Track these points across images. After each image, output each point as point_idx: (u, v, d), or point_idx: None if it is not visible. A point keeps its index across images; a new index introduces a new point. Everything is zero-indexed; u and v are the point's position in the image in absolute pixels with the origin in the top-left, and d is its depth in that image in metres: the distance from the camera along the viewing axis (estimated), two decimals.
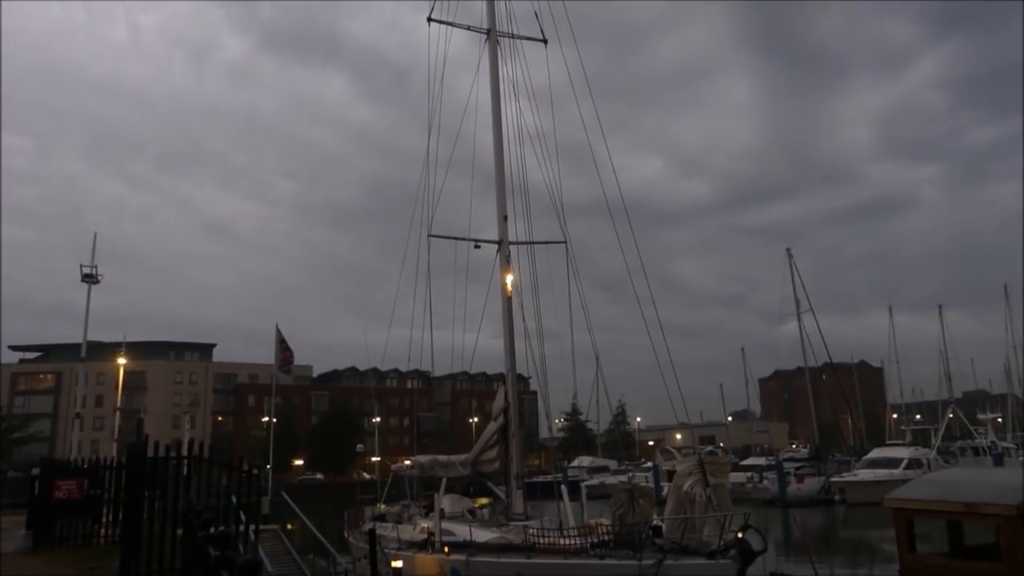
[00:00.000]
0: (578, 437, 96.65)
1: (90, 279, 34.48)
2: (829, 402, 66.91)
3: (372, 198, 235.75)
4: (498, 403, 17.20)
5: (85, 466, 16.03)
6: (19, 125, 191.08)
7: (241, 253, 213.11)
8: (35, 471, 16.49)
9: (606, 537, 13.11)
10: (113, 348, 58.18)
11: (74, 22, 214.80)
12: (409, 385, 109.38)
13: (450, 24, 17.72)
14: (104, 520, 15.38)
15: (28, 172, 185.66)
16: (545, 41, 18.03)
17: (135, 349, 76.98)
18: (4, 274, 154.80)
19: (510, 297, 16.47)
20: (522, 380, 43.58)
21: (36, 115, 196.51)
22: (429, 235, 16.97)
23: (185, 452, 11.69)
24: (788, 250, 57.56)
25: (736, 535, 11.89)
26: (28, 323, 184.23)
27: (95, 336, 48.89)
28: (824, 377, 60.57)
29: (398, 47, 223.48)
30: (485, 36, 17.53)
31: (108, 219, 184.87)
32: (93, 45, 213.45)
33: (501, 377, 17.83)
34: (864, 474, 44.53)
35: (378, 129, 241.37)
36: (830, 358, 55.96)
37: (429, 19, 17.82)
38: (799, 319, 55.63)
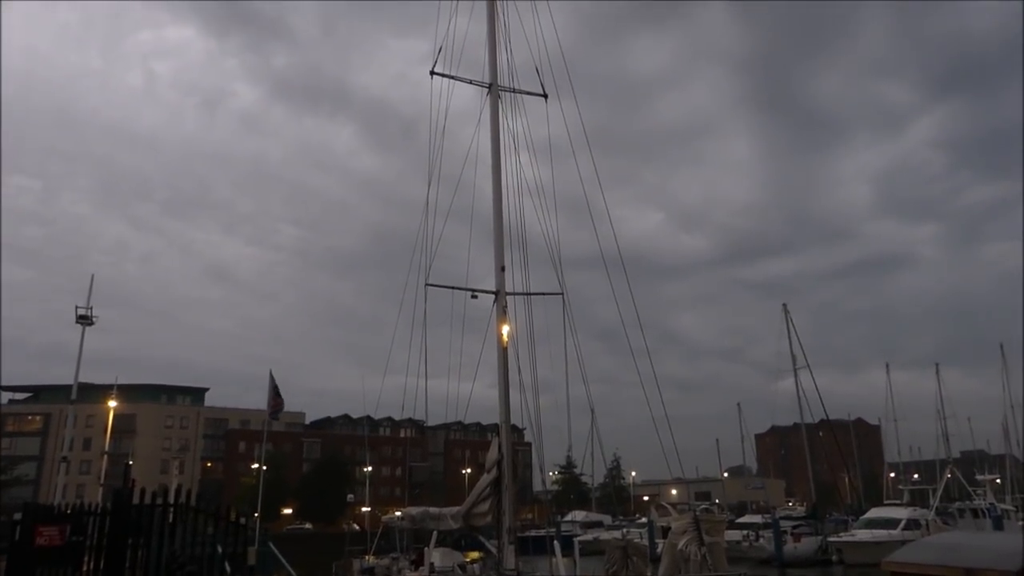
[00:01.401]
0: (572, 491, 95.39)
1: (84, 320, 34.30)
2: (826, 459, 66.27)
3: (374, 246, 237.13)
4: (492, 455, 16.99)
5: (68, 511, 15.70)
6: (29, 167, 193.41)
7: (241, 297, 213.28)
8: (17, 516, 16.10)
9: None
10: (104, 390, 57.64)
11: (90, 68, 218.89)
12: (402, 434, 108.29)
13: (452, 78, 18.08)
14: (85, 568, 15.01)
15: (34, 213, 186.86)
16: (545, 96, 18.39)
17: (127, 392, 76.28)
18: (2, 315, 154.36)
19: (506, 348, 16.41)
20: (516, 431, 43.13)
21: (47, 158, 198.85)
22: (426, 284, 17.02)
23: (172, 499, 11.49)
24: (784, 305, 57.70)
25: None
26: (24, 364, 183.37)
27: (87, 378, 48.37)
28: (821, 434, 60.13)
29: (406, 99, 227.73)
30: (487, 89, 17.87)
31: (111, 261, 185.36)
32: (108, 91, 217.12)
33: (495, 427, 17.66)
34: (862, 534, 43.81)
35: (383, 178, 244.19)
36: (827, 415, 55.69)
37: (432, 72, 18.18)
38: (795, 375, 55.48)
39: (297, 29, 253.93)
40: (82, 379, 35.24)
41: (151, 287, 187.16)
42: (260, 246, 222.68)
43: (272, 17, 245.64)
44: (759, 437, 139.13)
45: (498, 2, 18.75)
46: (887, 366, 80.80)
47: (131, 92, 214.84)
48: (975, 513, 52.48)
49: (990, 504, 54.70)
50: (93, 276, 35.46)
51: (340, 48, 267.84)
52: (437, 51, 18.36)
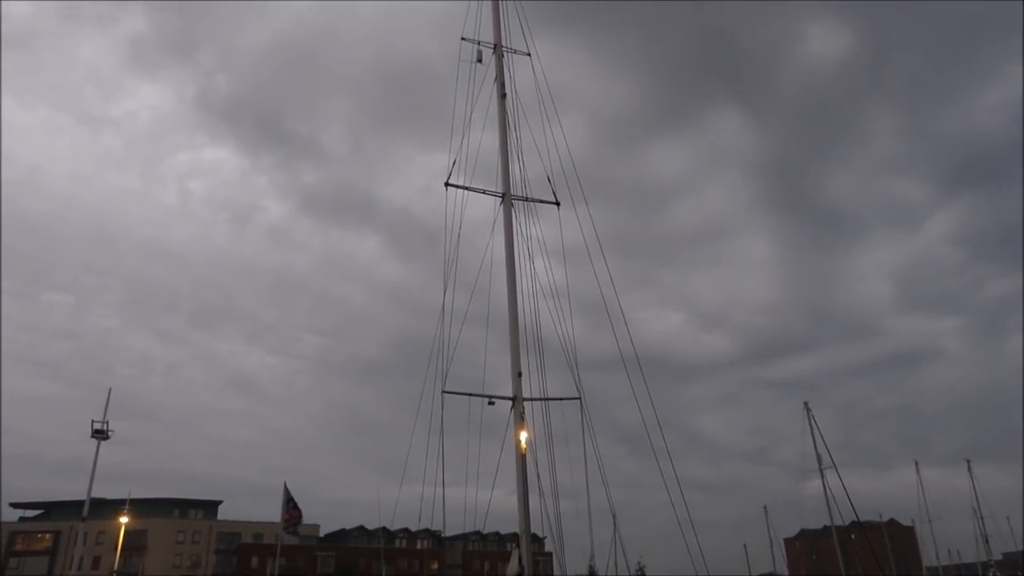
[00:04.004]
0: None
1: (100, 435, 34.25)
2: (860, 564, 63.43)
3: (396, 353, 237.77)
4: (512, 568, 16.46)
5: None
6: (63, 283, 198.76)
7: (262, 407, 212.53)
8: None
9: None
10: (117, 505, 56.76)
11: (129, 188, 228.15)
12: (419, 545, 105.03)
13: (466, 188, 18.69)
14: None
15: (64, 328, 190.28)
16: (558, 204, 18.94)
17: (139, 506, 74.96)
18: (22, 430, 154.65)
19: (524, 456, 16.17)
20: (537, 540, 41.77)
21: (81, 274, 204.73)
22: (443, 391, 16.98)
23: None
24: (806, 404, 56.60)
25: None
26: (42, 480, 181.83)
27: (101, 492, 47.77)
28: (853, 537, 57.82)
29: (429, 210, 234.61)
30: (500, 199, 18.42)
31: (135, 373, 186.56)
32: (144, 209, 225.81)
33: (515, 537, 17.17)
34: None
35: (406, 286, 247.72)
36: (857, 516, 53.58)
37: (447, 184, 18.83)
38: (822, 475, 53.89)
39: (327, 146, 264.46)
40: (96, 494, 34.87)
41: (173, 399, 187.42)
42: (283, 355, 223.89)
43: (304, 136, 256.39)
44: (788, 541, 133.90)
45: (509, 115, 19.56)
46: (916, 464, 78.04)
47: (166, 210, 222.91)
48: None
49: None
50: (110, 390, 35.75)
51: (367, 163, 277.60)
52: (452, 163, 19.06)
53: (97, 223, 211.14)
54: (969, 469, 72.57)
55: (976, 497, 69.86)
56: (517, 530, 16.90)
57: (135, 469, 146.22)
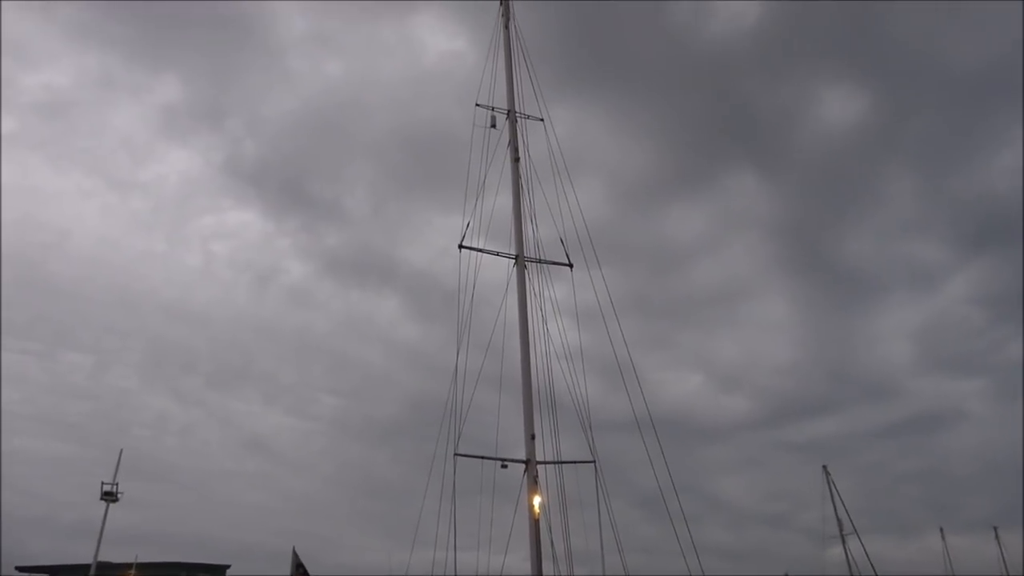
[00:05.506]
0: None
1: (109, 497, 34.05)
2: None
3: (412, 414, 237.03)
4: None
5: None
6: (85, 344, 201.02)
7: (276, 469, 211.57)
8: None
9: None
10: (123, 569, 55.81)
11: (155, 251, 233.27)
12: None
13: (479, 250, 18.90)
14: None
15: (83, 388, 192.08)
16: (571, 265, 19.08)
17: (146, 570, 73.58)
18: (35, 491, 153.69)
19: (538, 521, 15.88)
20: None
21: (103, 335, 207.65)
22: (456, 454, 16.83)
23: None
24: (824, 467, 55.56)
25: None
26: (53, 542, 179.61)
27: (110, 556, 47.15)
28: None
29: (448, 271, 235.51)
30: (514, 261, 18.57)
31: (151, 434, 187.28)
32: (168, 271, 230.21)
33: None
34: None
35: (424, 348, 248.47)
36: None
37: (460, 246, 19.05)
38: (843, 542, 52.48)
39: (349, 209, 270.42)
40: (105, 557, 34.48)
41: (188, 460, 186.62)
42: (299, 416, 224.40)
43: (328, 199, 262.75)
44: None
45: (523, 179, 19.87)
46: (941, 531, 75.63)
47: (189, 272, 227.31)
48: None
49: None
50: (121, 451, 35.66)
51: (388, 226, 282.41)
52: (465, 226, 19.30)
53: (122, 285, 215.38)
54: (996, 536, 70.47)
55: (1005, 565, 67.71)
56: None
57: (147, 531, 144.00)
